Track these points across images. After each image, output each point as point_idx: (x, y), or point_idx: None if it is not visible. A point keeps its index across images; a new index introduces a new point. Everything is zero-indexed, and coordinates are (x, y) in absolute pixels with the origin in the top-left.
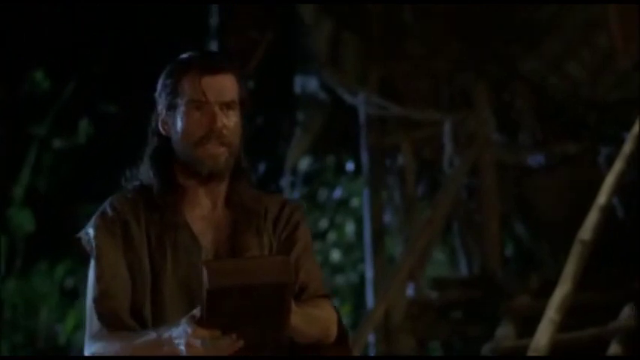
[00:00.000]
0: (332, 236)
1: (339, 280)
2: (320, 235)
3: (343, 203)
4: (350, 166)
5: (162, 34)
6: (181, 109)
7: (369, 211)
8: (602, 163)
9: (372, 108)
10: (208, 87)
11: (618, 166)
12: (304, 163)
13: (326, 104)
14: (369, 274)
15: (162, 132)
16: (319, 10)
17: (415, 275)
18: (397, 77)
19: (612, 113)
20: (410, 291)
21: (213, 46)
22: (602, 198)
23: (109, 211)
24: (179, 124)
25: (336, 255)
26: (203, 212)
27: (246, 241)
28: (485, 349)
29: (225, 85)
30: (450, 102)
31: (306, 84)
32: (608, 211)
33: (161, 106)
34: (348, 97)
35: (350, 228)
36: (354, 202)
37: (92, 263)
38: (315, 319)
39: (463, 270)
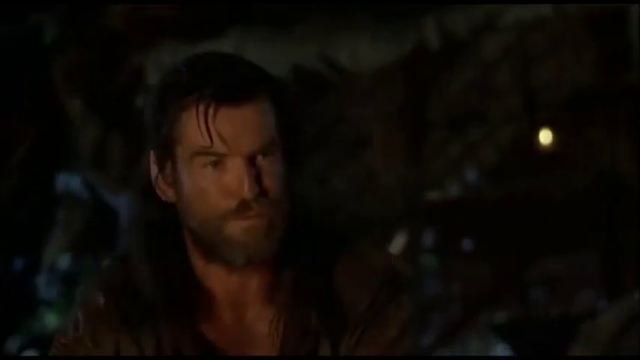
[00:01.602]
0: None
1: None
2: None
3: None
4: None
5: None
6: (185, 164)
7: None
8: None
9: (134, 210)
10: (227, 130)
11: None
12: (63, 262)
13: (87, 203)
14: None
15: (161, 195)
16: (86, 107)
17: None
18: None
19: (375, 228)
20: None
21: None
22: None
23: (69, 334)
24: (186, 189)
25: None
26: (228, 321)
27: None
28: None
29: (255, 122)
30: None
31: (69, 181)
32: None
33: (152, 154)
34: (110, 198)
35: None
36: None
37: None
38: None
39: None
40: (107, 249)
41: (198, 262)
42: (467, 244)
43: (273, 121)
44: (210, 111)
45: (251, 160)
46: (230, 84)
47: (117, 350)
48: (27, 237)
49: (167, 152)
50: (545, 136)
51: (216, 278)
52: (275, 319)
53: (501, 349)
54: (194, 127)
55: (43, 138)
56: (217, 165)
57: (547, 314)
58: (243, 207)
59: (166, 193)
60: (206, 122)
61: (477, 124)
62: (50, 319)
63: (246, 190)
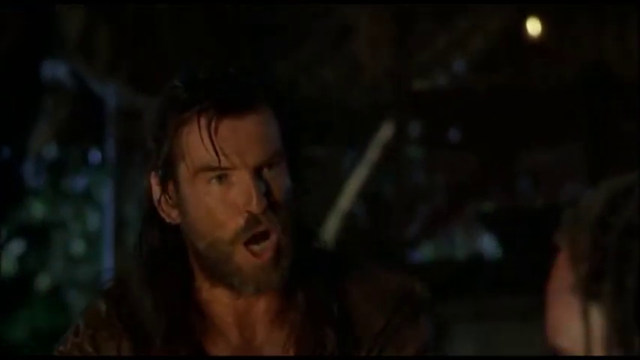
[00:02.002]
0: (76, 226)
1: (83, 271)
2: (63, 225)
3: (88, 193)
4: (95, 156)
5: None
6: (188, 182)
7: (113, 202)
8: (347, 168)
9: (122, 99)
10: (231, 142)
11: (362, 172)
12: (50, 151)
13: (74, 92)
14: (108, 266)
15: (165, 217)
16: None
17: None
18: (149, 69)
19: (362, 119)
20: None
21: None
22: (343, 203)
23: (69, 341)
24: (191, 208)
25: (78, 246)
26: (237, 344)
27: None
28: None
29: (259, 133)
30: None
31: (55, 70)
32: (349, 216)
33: (154, 175)
34: (97, 87)
35: (94, 219)
36: (99, 193)
37: None
38: None
39: None
40: (93, 138)
41: (203, 285)
42: (453, 135)
43: (277, 132)
44: (213, 123)
45: (257, 173)
46: (231, 95)
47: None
48: (13, 125)
49: (169, 171)
50: (532, 27)
51: (222, 301)
52: (287, 342)
53: (487, 240)
54: (196, 142)
55: (29, 26)
56: (222, 180)
57: (533, 205)
58: (251, 222)
59: (171, 214)
60: (209, 135)
61: (464, 14)
62: (37, 209)
63: (255, 204)
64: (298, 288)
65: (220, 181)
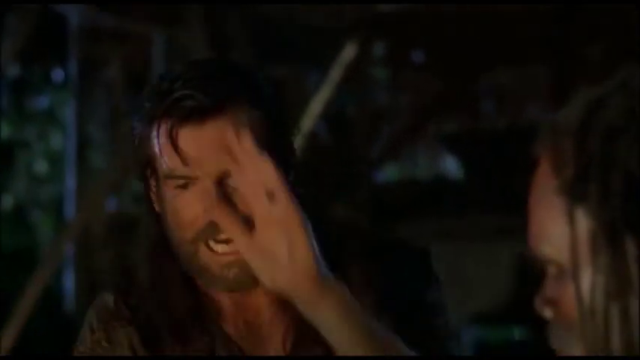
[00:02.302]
0: (39, 146)
1: (46, 191)
2: (26, 145)
3: (51, 113)
4: (58, 75)
5: None
6: (160, 184)
7: (75, 122)
8: (311, 87)
9: (85, 18)
10: (191, 151)
11: (326, 92)
12: (12, 70)
13: (35, 10)
14: (71, 185)
15: (155, 206)
16: None
17: (118, 189)
18: None
19: (327, 38)
20: (112, 205)
21: None
22: (307, 123)
23: (87, 339)
24: (165, 206)
25: (42, 166)
26: (241, 329)
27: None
28: None
29: (223, 140)
30: (163, 16)
31: None
32: (312, 136)
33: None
34: (59, 5)
35: (57, 139)
36: (62, 112)
37: None
38: None
39: None
40: (56, 57)
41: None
42: (417, 56)
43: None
44: (173, 132)
45: (220, 181)
46: (193, 101)
47: (130, 344)
48: None
49: (150, 168)
50: None
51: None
52: (286, 333)
53: (449, 161)
54: (160, 150)
55: None
56: (187, 186)
57: (495, 126)
58: (211, 229)
59: (156, 204)
60: (169, 144)
61: None
62: (1, 129)
63: (215, 214)
64: None
65: (185, 188)
